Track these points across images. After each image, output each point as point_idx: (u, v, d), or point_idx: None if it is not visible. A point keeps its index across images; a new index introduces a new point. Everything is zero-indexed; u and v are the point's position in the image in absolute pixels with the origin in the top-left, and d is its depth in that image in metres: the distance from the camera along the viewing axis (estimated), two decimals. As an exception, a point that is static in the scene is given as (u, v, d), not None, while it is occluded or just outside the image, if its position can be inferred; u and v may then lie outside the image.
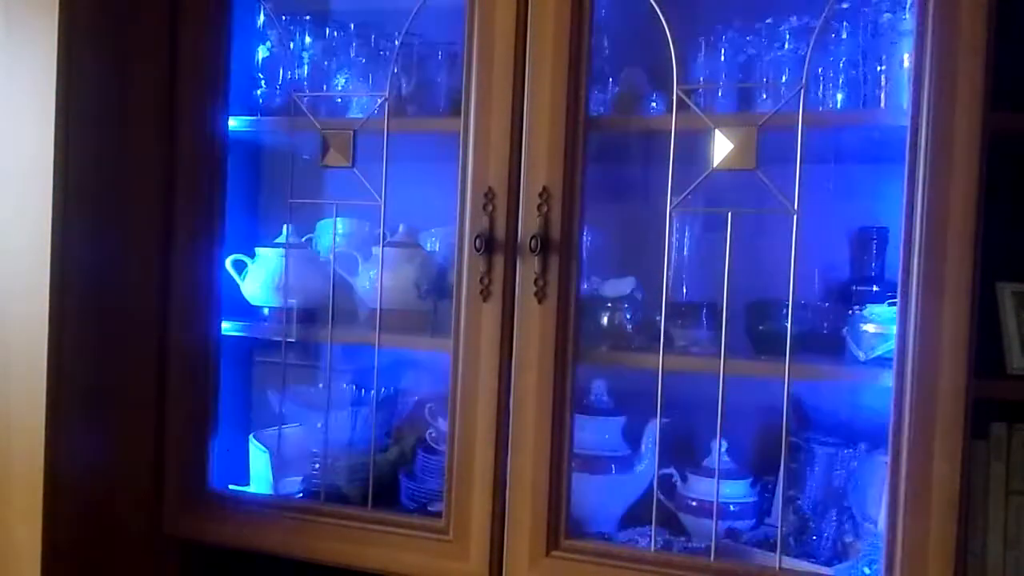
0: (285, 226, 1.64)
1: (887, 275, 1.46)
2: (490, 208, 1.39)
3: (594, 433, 1.52)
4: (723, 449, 1.43)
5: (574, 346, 1.38)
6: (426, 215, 1.64)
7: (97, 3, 1.44)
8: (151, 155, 1.57)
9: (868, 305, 1.36)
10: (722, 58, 1.46)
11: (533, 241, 1.36)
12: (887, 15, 1.35)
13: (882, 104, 1.35)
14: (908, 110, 1.22)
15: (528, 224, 1.38)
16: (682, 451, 1.52)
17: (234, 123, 1.60)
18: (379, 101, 1.51)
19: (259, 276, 1.63)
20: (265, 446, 1.67)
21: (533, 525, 1.38)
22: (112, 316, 1.51)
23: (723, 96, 1.46)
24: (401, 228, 1.60)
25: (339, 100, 1.63)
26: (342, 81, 1.64)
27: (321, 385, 1.67)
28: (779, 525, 1.35)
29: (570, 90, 1.36)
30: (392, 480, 1.62)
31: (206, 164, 1.57)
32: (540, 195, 1.37)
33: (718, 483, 1.40)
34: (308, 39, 1.66)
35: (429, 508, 1.54)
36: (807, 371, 1.33)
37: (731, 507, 1.47)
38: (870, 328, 1.33)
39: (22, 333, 1.40)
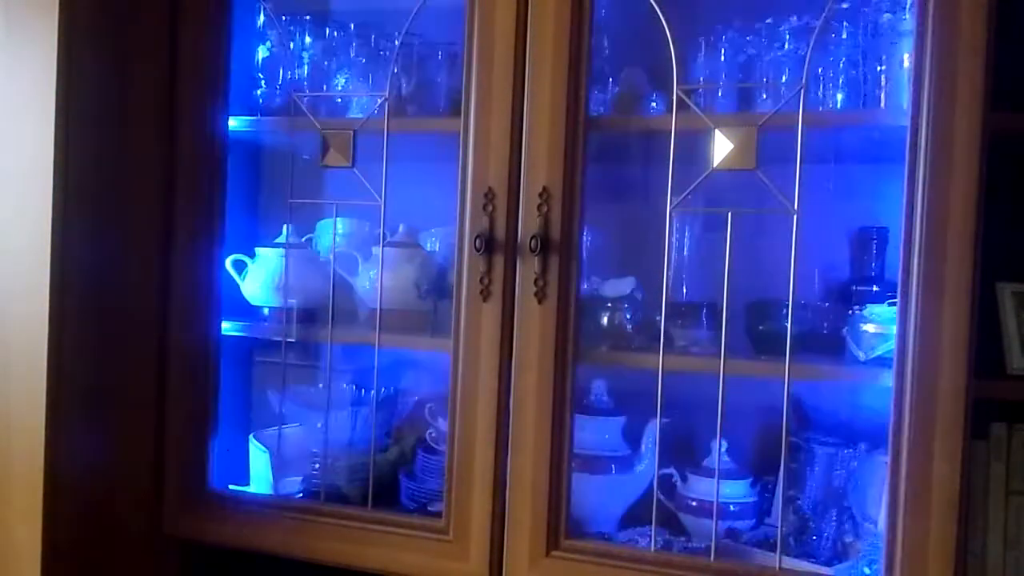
0: (285, 226, 1.64)
1: (887, 275, 1.46)
2: (490, 208, 1.39)
3: (594, 433, 1.52)
4: (723, 449, 1.43)
5: (574, 346, 1.38)
6: (426, 215, 1.64)
7: (97, 3, 1.44)
8: (151, 155, 1.57)
9: (868, 305, 1.36)
10: (722, 58, 1.46)
11: (533, 241, 1.36)
12: (887, 15, 1.35)
13: (882, 104, 1.35)
14: (908, 110, 1.22)
15: (528, 224, 1.37)
16: (682, 451, 1.52)
17: (234, 123, 1.60)
18: (379, 101, 1.51)
19: (259, 276, 1.63)
20: (265, 446, 1.67)
21: (533, 525, 1.38)
22: (112, 316, 1.51)
23: (723, 96, 1.46)
24: (401, 228, 1.60)
25: (339, 100, 1.63)
26: (342, 81, 1.64)
27: (321, 385, 1.67)
28: (779, 525, 1.35)
29: (570, 90, 1.36)
30: (392, 480, 1.62)
31: (206, 164, 1.57)
32: (540, 195, 1.37)
33: (718, 483, 1.40)
34: (308, 39, 1.66)
35: (429, 508, 1.54)
36: (807, 371, 1.33)
37: (731, 507, 1.47)
38: (870, 328, 1.33)
39: (22, 333, 1.40)
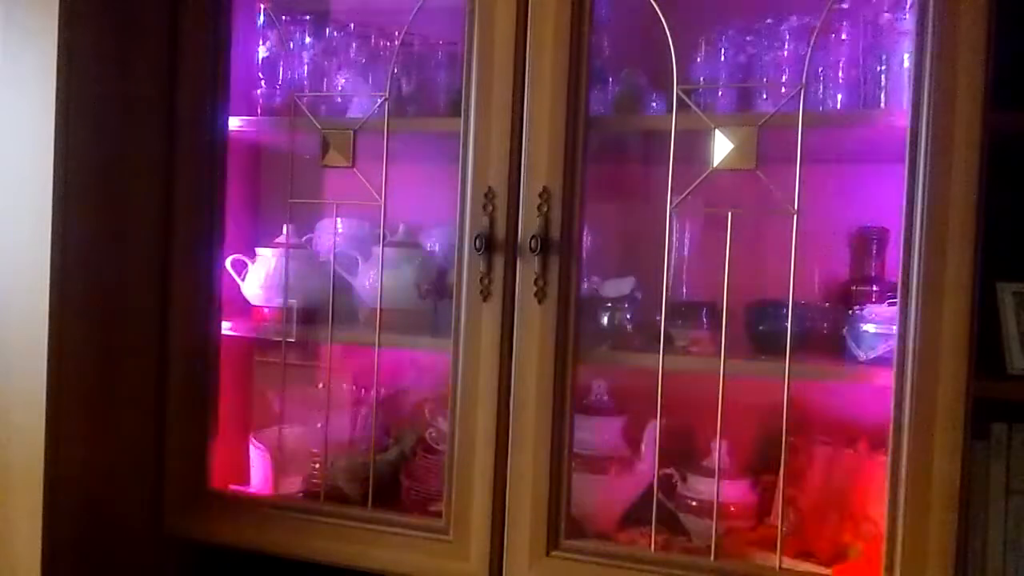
0: (285, 226, 1.64)
1: (887, 275, 1.46)
2: (490, 208, 1.39)
3: (594, 433, 1.52)
4: (723, 449, 1.43)
5: (574, 346, 1.38)
6: (426, 215, 1.64)
7: (97, 3, 1.44)
8: (151, 154, 1.57)
9: (868, 305, 1.37)
10: (722, 58, 1.46)
11: (533, 241, 1.36)
12: (887, 15, 1.35)
13: (882, 104, 1.35)
14: (908, 110, 1.22)
15: (528, 224, 1.37)
16: (682, 451, 1.52)
17: (234, 123, 1.60)
18: (379, 101, 1.51)
19: (259, 276, 1.63)
20: (265, 446, 1.67)
21: (533, 525, 1.38)
22: (112, 316, 1.51)
23: (723, 96, 1.46)
24: (401, 228, 1.60)
25: (339, 100, 1.63)
26: (342, 81, 1.64)
27: (321, 385, 1.67)
28: (779, 525, 1.35)
29: (570, 90, 1.36)
30: (392, 480, 1.62)
31: (206, 164, 1.57)
32: (540, 195, 1.37)
33: (718, 483, 1.40)
34: (308, 39, 1.66)
35: (429, 508, 1.54)
36: (807, 371, 1.33)
37: (731, 507, 1.47)
38: (870, 328, 1.33)
39: (22, 333, 1.40)
